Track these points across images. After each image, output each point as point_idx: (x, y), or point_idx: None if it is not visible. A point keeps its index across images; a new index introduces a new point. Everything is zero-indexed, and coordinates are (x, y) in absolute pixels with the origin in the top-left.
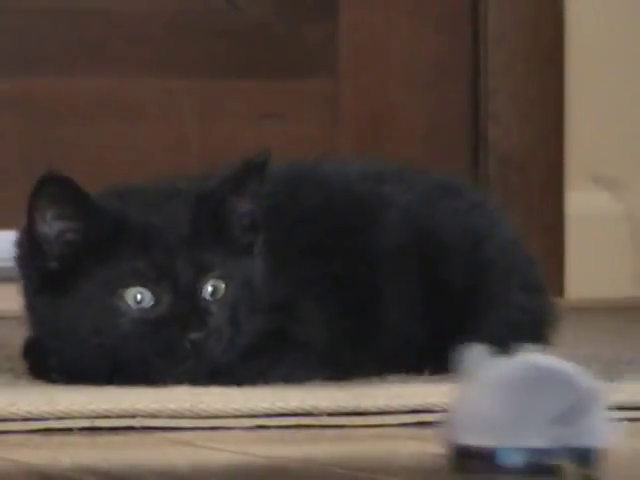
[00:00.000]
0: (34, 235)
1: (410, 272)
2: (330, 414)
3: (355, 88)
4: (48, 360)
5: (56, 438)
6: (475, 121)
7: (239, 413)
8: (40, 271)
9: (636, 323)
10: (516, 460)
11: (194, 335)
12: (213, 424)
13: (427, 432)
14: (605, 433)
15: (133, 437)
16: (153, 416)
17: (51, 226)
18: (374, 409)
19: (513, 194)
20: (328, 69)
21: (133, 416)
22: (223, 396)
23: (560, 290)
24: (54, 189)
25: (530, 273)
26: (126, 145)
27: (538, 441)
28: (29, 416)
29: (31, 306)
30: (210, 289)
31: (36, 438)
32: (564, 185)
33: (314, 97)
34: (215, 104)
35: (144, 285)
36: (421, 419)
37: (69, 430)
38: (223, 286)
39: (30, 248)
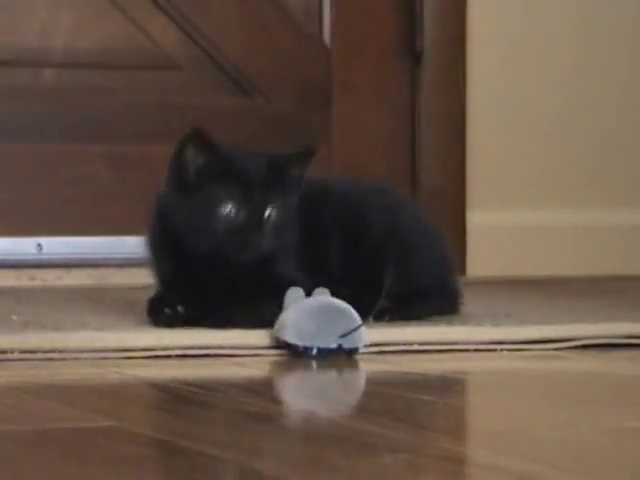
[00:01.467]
0: (179, 159)
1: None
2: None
3: (342, 153)
4: (165, 300)
5: (161, 361)
6: (413, 171)
7: (269, 345)
8: (178, 180)
9: (510, 292)
10: (318, 353)
11: (255, 237)
12: (255, 352)
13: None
14: (362, 341)
15: (207, 360)
16: (220, 347)
17: (190, 155)
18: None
19: (435, 215)
20: (326, 139)
21: (208, 347)
22: (258, 336)
23: (464, 270)
24: (196, 135)
25: (448, 260)
26: None
27: (330, 343)
28: (145, 347)
29: (167, 205)
30: (268, 212)
31: (148, 361)
32: (465, 207)
33: (315, 157)
34: None
35: (233, 203)
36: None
37: (169, 356)
38: (275, 212)
39: (175, 166)
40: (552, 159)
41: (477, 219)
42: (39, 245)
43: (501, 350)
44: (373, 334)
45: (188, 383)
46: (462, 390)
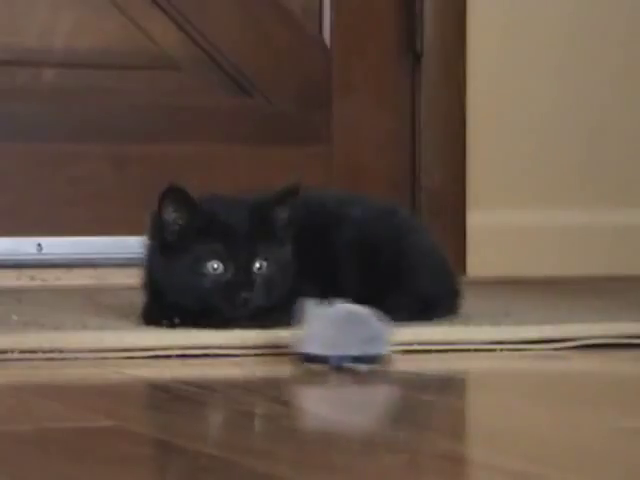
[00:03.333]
0: (160, 219)
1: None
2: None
3: (342, 153)
4: (160, 310)
5: (161, 361)
6: (413, 171)
7: (269, 345)
8: (160, 242)
9: (510, 292)
10: (340, 362)
11: (245, 294)
12: (255, 352)
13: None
14: (386, 347)
15: (207, 360)
16: (220, 347)
17: (169, 215)
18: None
19: (435, 215)
20: (326, 139)
21: (208, 347)
22: (258, 336)
23: (464, 270)
24: (173, 194)
25: (446, 263)
26: None
27: (353, 351)
28: (145, 347)
29: (152, 264)
30: (257, 265)
31: (148, 361)
32: (465, 207)
33: (315, 157)
34: (259, 162)
35: (219, 260)
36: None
37: (169, 356)
38: (265, 264)
39: (156, 227)
40: (552, 159)
41: (477, 219)
42: (39, 245)
43: (501, 350)
44: None
45: (188, 383)
46: (462, 390)
